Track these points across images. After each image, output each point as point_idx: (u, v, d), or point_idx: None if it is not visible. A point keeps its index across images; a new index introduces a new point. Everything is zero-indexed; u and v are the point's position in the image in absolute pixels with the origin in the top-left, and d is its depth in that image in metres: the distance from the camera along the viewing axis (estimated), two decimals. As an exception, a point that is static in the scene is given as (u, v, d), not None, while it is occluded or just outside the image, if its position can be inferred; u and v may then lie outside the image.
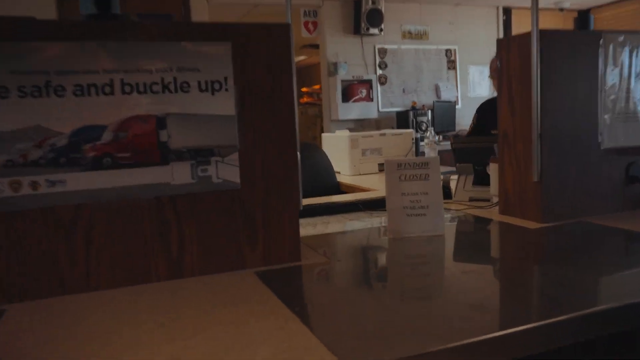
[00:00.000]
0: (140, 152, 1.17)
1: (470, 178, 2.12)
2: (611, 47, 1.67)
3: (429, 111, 5.94)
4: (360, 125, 5.91)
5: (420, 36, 6.35)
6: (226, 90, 1.21)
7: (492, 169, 1.87)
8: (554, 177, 1.61)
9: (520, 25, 6.80)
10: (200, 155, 1.20)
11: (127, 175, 1.16)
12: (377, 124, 6.03)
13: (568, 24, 7.06)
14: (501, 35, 6.70)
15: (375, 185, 2.72)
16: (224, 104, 1.21)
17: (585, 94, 1.64)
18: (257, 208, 1.25)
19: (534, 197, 1.62)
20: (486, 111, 3.06)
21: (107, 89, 1.14)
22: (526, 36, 1.61)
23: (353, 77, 5.77)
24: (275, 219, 1.26)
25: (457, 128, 6.40)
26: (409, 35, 6.30)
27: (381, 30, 5.85)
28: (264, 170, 1.24)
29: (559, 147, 1.61)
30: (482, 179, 2.08)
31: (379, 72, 6.12)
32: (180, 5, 5.22)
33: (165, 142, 1.17)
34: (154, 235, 1.18)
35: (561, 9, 6.41)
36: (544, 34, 1.56)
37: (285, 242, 1.27)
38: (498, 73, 1.75)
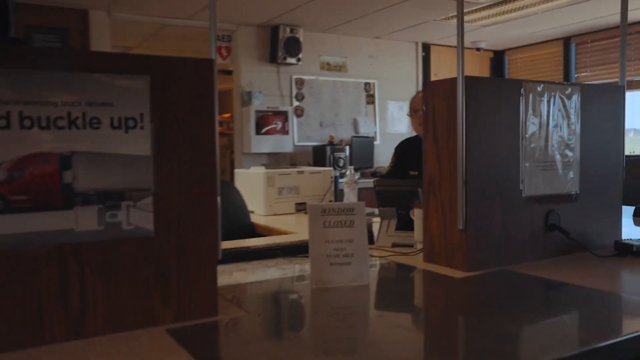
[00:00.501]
0: (40, 194, 1.12)
1: (394, 222, 2.20)
2: (531, 96, 1.82)
3: (347, 147, 6.11)
4: (274, 159, 5.95)
5: (339, 68, 6.56)
6: (142, 128, 1.19)
7: (417, 215, 1.96)
8: (478, 225, 1.71)
9: (440, 61, 7.21)
10: (109, 199, 1.17)
11: (23, 220, 1.10)
12: (292, 158, 6.11)
13: (484, 64, 7.59)
14: (420, 71, 7.07)
15: (293, 227, 2.74)
16: (139, 143, 1.19)
17: (508, 141, 1.77)
18: (171, 258, 1.23)
19: (459, 245, 1.71)
20: (405, 151, 3.20)
21: (3, 122, 1.09)
22: (452, 82, 1.72)
23: (268, 107, 5.83)
24: (191, 270, 1.24)
25: (375, 164, 6.61)
26: (327, 67, 6.49)
27: (299, 59, 5.99)
28: (181, 216, 1.23)
29: (484, 194, 1.72)
30: (405, 224, 2.16)
31: (296, 103, 6.24)
32: (78, 19, 5.07)
33: (69, 184, 1.13)
34: (51, 289, 1.12)
35: (478, 49, 6.89)
36: (470, 81, 1.68)
37: (202, 296, 1.25)
38: (423, 116, 1.86)
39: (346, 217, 1.58)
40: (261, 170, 3.24)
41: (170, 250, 1.22)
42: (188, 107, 1.23)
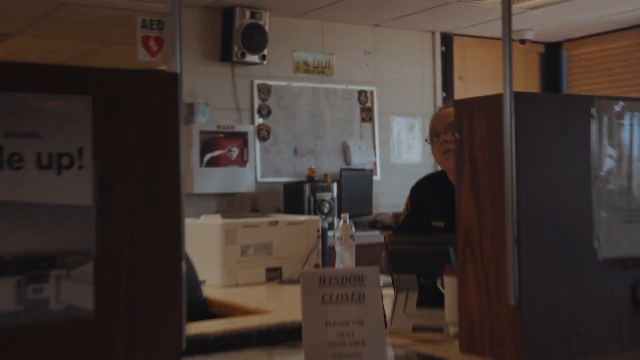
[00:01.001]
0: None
1: (414, 296, 2.30)
2: (606, 118, 1.96)
3: (334, 184, 6.24)
4: (226, 203, 6.06)
5: (321, 69, 6.73)
6: (80, 167, 1.29)
7: (448, 285, 2.07)
8: (538, 299, 1.82)
9: (467, 60, 7.45)
10: (33, 268, 1.26)
11: None
12: (253, 202, 6.22)
13: (531, 64, 7.85)
14: (438, 74, 7.29)
15: (266, 304, 2.82)
16: (76, 189, 1.29)
17: (577, 181, 1.90)
18: (117, 349, 1.32)
19: (510, 329, 1.81)
20: (425, 194, 3.33)
21: None
22: (495, 100, 1.85)
23: (219, 127, 5.96)
24: (144, 365, 1.33)
25: (375, 210, 6.75)
26: (305, 68, 6.66)
27: (264, 57, 6.15)
28: (132, 291, 1.33)
29: (544, 255, 1.84)
30: (431, 298, 2.26)
31: (259, 121, 6.38)
32: None
33: (-22, 247, 1.22)
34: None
35: (522, 41, 7.11)
36: (522, 98, 1.82)
37: (160, 402, 1.34)
38: (456, 147, 1.98)
39: (354, 288, 1.68)
40: (216, 220, 3.34)
41: (116, 338, 1.31)
42: (144, 138, 1.34)
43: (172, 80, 1.37)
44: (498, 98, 1.83)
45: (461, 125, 1.97)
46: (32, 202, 1.26)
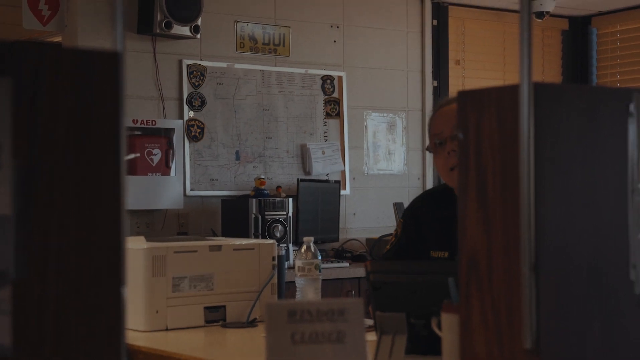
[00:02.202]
0: None
1: (402, 340, 2.41)
2: (647, 116, 2.08)
3: (289, 199, 6.32)
4: (145, 224, 6.10)
5: (273, 47, 6.82)
6: (-3, 168, 1.39)
7: (447, 325, 2.19)
8: (560, 342, 1.94)
9: (465, 35, 7.58)
10: (-63, 291, 1.35)
11: None
12: (181, 222, 6.27)
13: (552, 43, 8.00)
14: (428, 54, 7.41)
15: (206, 353, 2.91)
16: None
17: (610, 193, 2.01)
18: (41, 395, 1.41)
19: (526, 379, 1.93)
20: (421, 217, 3.43)
21: None
22: (509, 92, 1.96)
23: (135, 122, 6.01)
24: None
25: (343, 235, 6.85)
26: (251, 44, 6.74)
27: (196, 29, 6.20)
28: (60, 321, 1.42)
29: (568, 288, 1.95)
30: (424, 343, 2.38)
31: (190, 114, 6.43)
32: None
33: None
34: None
35: (540, 14, 7.23)
36: (543, 90, 1.93)
37: None
38: (460, 151, 2.10)
39: (332, 325, 1.80)
40: (139, 243, 3.42)
41: (40, 382, 1.41)
42: (77, 133, 1.45)
43: (113, 62, 1.47)
44: (513, 90, 1.91)
45: (466, 124, 2.04)
46: (-63, 210, 1.35)
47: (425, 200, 3.53)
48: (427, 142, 3.43)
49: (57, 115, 1.44)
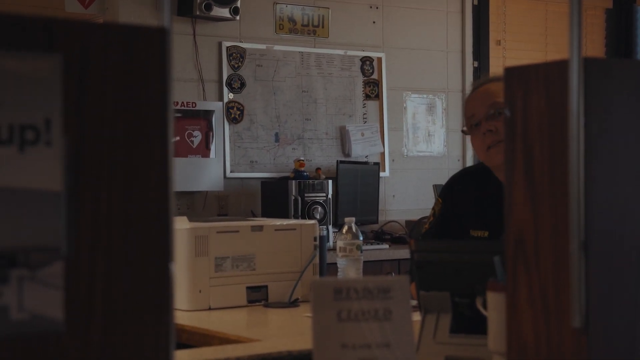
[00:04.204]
0: None
1: (446, 319, 2.41)
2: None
3: (328, 181, 6.33)
4: (185, 205, 6.14)
5: (312, 29, 6.82)
6: (47, 143, 1.40)
7: (493, 304, 2.18)
8: (609, 320, 1.93)
9: (506, 17, 7.56)
10: (-11, 266, 1.36)
11: None
12: (221, 204, 6.30)
13: (596, 22, 7.97)
14: (469, 36, 7.40)
15: (250, 332, 2.93)
16: (42, 170, 1.39)
17: (658, 173, 2.01)
18: (92, 370, 1.43)
19: (574, 357, 1.92)
20: (460, 195, 3.42)
21: None
22: (558, 68, 1.96)
23: (175, 104, 6.04)
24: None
25: (382, 217, 6.85)
26: (290, 26, 6.75)
27: (236, 11, 6.22)
28: (110, 296, 1.43)
29: (618, 266, 1.95)
30: (469, 322, 2.37)
31: (229, 96, 6.46)
32: None
33: None
34: None
35: (581, -5, 7.22)
36: (593, 65, 1.92)
37: None
38: (506, 128, 2.09)
39: (378, 302, 1.80)
40: (182, 223, 3.44)
41: (90, 355, 1.42)
42: (124, 107, 1.45)
43: (161, 38, 1.48)
44: (562, 65, 1.90)
45: (513, 101, 2.04)
46: (-12, 185, 1.35)
47: (463, 178, 3.52)
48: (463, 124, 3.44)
49: (105, 91, 1.45)
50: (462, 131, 3.55)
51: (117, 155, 1.46)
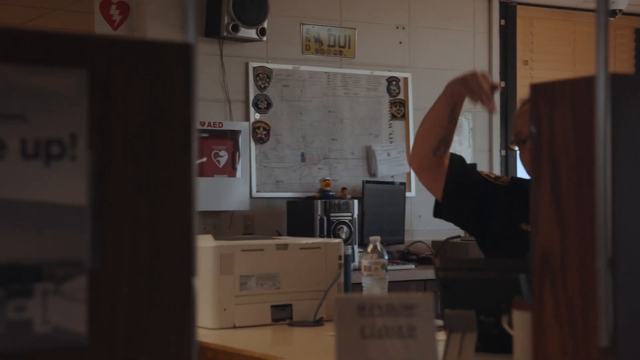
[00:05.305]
0: None
1: (472, 338, 2.40)
2: None
3: (354, 201, 6.33)
4: (212, 225, 6.14)
5: (339, 49, 6.83)
6: (72, 158, 1.40)
7: (519, 322, 2.17)
8: (638, 339, 1.91)
9: (533, 37, 7.54)
10: (14, 280, 1.36)
11: None
12: (247, 223, 6.30)
13: (625, 41, 7.93)
14: (496, 54, 7.38)
15: (274, 350, 2.92)
16: (67, 184, 1.39)
17: (686, 190, 1.99)
18: (115, 385, 1.43)
19: (602, 377, 1.90)
20: (523, 189, 3.42)
21: None
22: (584, 84, 1.94)
23: (202, 124, 6.05)
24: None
25: (408, 237, 6.83)
26: (316, 46, 6.75)
27: (263, 32, 6.24)
28: (133, 310, 1.44)
29: None
30: (494, 341, 2.36)
31: (256, 116, 6.47)
32: None
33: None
34: None
35: (612, 12, 7.15)
36: (619, 81, 1.91)
37: None
38: (532, 144, 2.08)
39: (402, 319, 1.79)
40: (207, 241, 3.45)
41: (114, 372, 1.42)
42: (152, 125, 1.46)
43: (186, 54, 1.48)
44: (589, 81, 1.89)
45: (539, 118, 2.03)
46: (14, 199, 1.35)
47: (513, 179, 3.61)
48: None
49: (130, 107, 1.46)
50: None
51: (142, 170, 1.46)
